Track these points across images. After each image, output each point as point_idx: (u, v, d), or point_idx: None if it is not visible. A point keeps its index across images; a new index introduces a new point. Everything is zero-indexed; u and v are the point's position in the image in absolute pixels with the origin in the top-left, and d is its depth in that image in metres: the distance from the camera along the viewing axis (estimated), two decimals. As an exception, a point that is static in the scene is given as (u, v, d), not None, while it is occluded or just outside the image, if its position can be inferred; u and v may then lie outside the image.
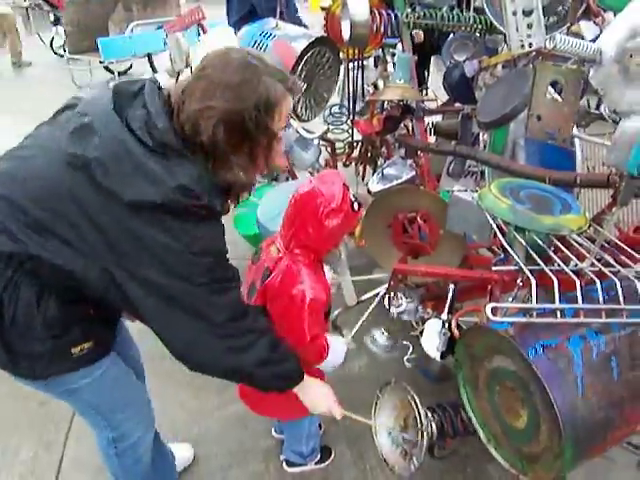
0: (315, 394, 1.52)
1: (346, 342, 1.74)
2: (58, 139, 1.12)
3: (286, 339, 1.43)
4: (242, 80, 1.09)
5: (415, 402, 1.40)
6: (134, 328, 1.70)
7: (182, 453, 2.19)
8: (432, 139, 3.11)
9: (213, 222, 1.16)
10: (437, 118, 3.24)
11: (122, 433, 1.60)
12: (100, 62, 6.53)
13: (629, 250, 1.41)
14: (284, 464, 2.19)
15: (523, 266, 1.26)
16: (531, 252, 1.32)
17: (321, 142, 2.90)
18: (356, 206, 1.54)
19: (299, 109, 2.70)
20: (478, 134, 2.89)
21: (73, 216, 1.10)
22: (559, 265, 1.29)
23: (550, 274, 1.23)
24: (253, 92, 1.10)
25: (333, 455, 2.24)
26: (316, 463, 2.18)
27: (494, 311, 1.12)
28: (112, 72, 6.95)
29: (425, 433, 1.37)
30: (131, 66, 7.67)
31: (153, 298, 1.12)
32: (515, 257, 1.31)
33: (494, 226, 1.43)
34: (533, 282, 1.20)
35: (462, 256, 2.28)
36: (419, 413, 1.38)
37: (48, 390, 1.45)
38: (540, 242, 1.41)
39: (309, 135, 2.61)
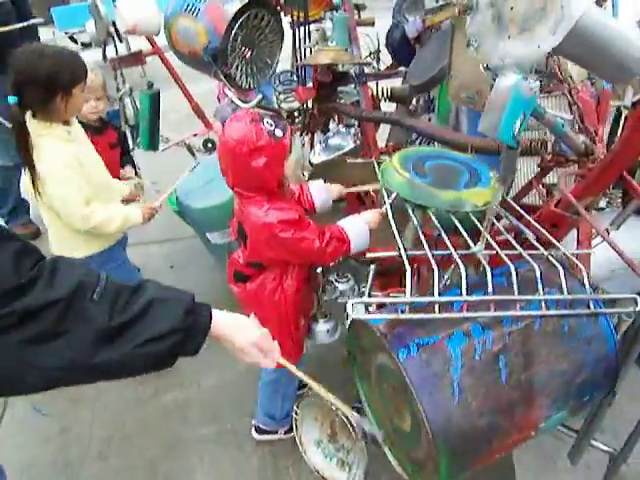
0: (242, 337, 1.00)
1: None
2: None
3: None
4: None
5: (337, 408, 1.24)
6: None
7: None
8: (392, 105, 2.91)
9: None
10: (397, 82, 3.03)
11: None
12: (65, 33, 6.22)
13: (541, 229, 1.22)
14: (253, 431, 2.10)
15: (403, 251, 1.09)
16: (420, 234, 1.15)
17: (264, 113, 2.69)
18: (278, 132, 1.42)
19: (237, 77, 2.52)
20: (434, 98, 2.68)
21: None
22: (450, 249, 1.11)
23: (431, 259, 1.06)
24: None
25: None
26: (285, 432, 2.08)
27: (355, 308, 0.96)
28: (76, 42, 6.60)
29: (360, 437, 1.24)
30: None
31: None
32: (397, 239, 1.13)
33: (387, 206, 1.26)
34: (408, 270, 1.03)
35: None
36: (347, 418, 1.24)
37: None
38: (448, 219, 1.24)
39: (244, 105, 2.42)
